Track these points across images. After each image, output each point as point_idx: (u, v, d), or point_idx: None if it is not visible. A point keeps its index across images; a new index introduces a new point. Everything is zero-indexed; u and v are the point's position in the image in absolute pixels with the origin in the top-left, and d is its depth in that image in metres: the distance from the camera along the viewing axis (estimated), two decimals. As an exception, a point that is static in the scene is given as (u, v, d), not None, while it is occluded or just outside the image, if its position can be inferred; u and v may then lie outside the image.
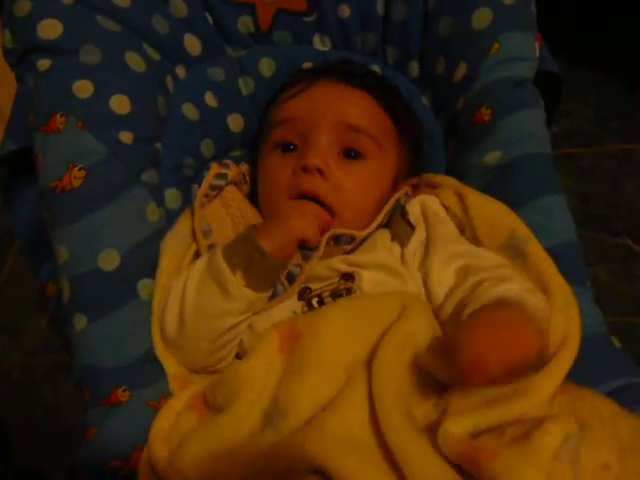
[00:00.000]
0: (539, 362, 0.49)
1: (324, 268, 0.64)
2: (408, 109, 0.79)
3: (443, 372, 0.50)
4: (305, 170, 0.67)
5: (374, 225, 0.69)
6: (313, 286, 0.65)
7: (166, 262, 0.67)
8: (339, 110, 0.70)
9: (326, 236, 0.65)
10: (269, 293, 0.63)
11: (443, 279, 0.62)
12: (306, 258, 0.65)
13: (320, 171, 0.67)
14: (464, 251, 0.64)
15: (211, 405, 0.57)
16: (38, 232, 0.72)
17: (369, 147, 0.70)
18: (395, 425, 0.47)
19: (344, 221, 0.68)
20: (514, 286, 0.56)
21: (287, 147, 0.71)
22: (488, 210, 0.67)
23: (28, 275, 0.78)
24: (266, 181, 0.73)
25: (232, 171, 0.73)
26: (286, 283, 0.64)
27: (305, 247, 0.65)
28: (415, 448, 0.46)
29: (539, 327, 0.48)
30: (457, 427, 0.46)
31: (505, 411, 0.49)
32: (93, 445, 0.58)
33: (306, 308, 0.63)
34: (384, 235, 0.69)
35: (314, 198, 0.67)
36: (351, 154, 0.70)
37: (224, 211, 0.71)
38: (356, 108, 0.71)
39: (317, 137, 0.69)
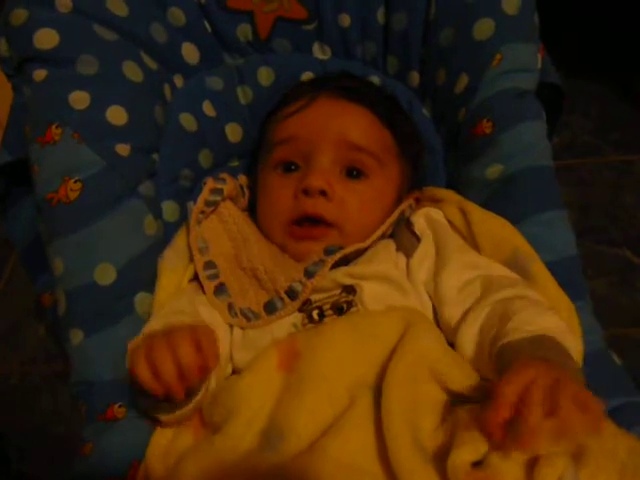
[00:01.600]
0: None
1: (326, 280, 0.63)
2: (409, 123, 0.78)
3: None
4: (307, 193, 0.66)
5: (375, 236, 0.68)
6: (313, 298, 0.64)
7: (165, 279, 0.66)
8: (340, 128, 0.69)
9: (333, 257, 0.64)
10: (190, 404, 0.56)
11: (459, 289, 0.61)
12: (309, 275, 0.64)
13: (323, 192, 0.66)
14: (477, 263, 0.63)
15: (207, 422, 0.57)
16: (34, 243, 0.71)
17: (371, 165, 0.69)
18: (403, 452, 0.46)
19: (349, 237, 0.67)
20: (551, 320, 0.54)
21: (289, 167, 0.70)
22: (491, 227, 0.66)
23: (27, 283, 0.78)
24: (267, 201, 0.71)
25: (228, 186, 0.71)
26: (287, 298, 0.63)
27: (308, 273, 0.64)
28: (421, 477, 0.45)
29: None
30: (463, 457, 0.45)
31: None
32: (89, 461, 0.58)
33: (306, 320, 0.62)
34: (389, 245, 0.68)
35: (318, 219, 0.67)
36: (353, 173, 0.69)
37: (221, 227, 0.70)
38: (357, 126, 0.70)
39: (319, 157, 0.68)
